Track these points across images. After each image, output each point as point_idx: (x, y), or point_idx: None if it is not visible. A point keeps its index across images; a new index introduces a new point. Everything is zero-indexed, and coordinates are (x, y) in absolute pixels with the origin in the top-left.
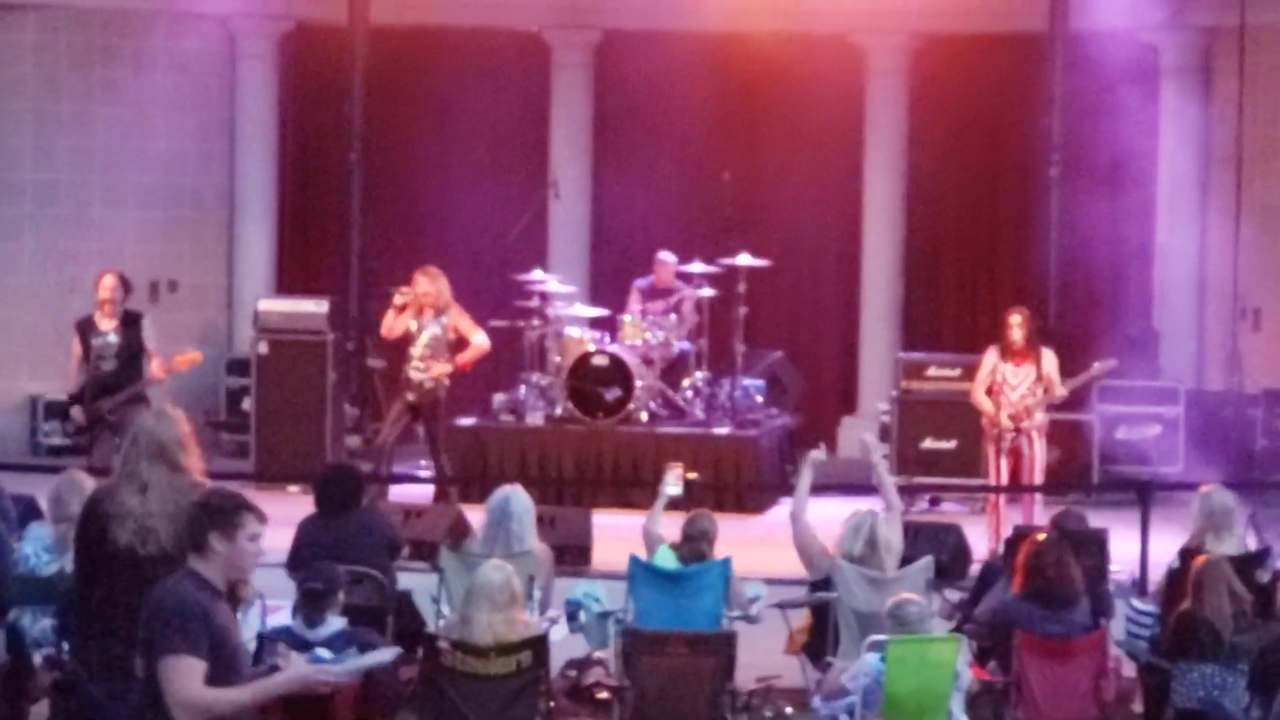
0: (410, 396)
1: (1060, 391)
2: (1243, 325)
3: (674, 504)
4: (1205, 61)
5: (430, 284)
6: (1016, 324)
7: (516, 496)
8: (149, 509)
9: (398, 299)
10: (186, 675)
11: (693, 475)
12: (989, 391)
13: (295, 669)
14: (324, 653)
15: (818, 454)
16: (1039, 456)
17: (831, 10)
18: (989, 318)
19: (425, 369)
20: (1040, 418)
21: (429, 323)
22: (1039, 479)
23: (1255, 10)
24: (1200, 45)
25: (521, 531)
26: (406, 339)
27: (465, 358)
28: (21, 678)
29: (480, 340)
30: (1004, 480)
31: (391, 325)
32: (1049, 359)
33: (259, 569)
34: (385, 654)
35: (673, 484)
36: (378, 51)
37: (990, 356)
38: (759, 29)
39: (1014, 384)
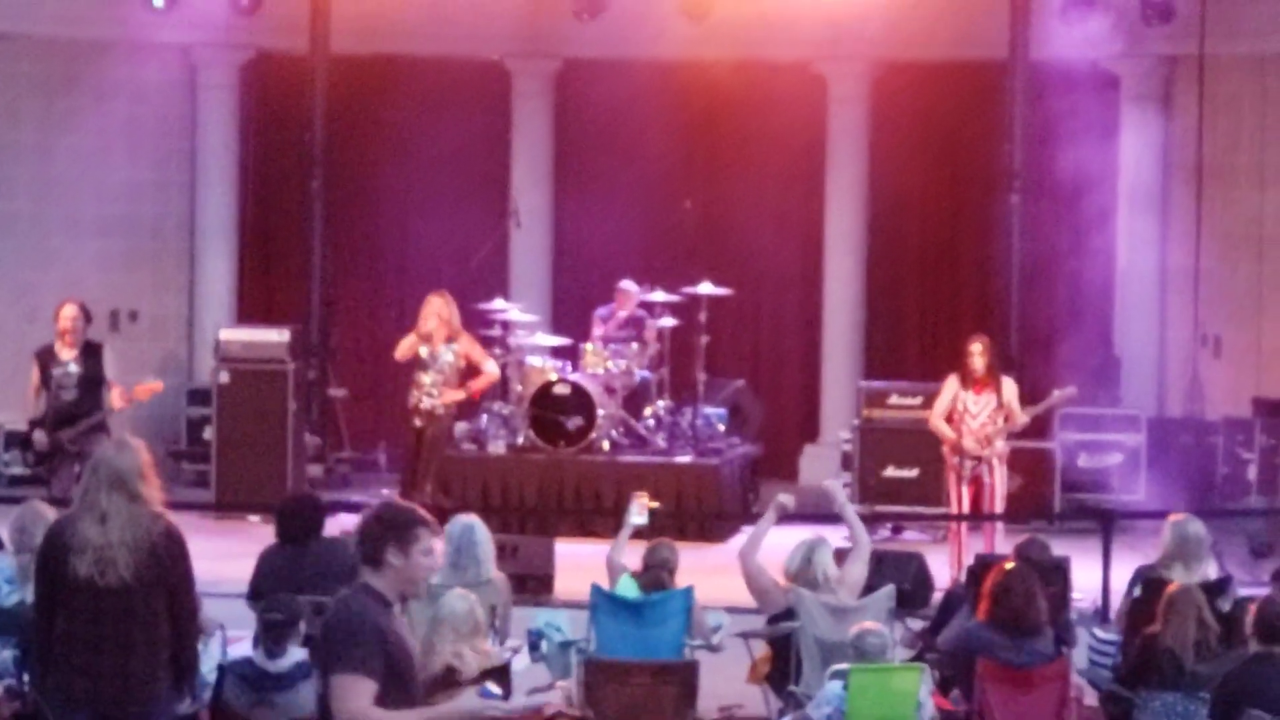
0: (418, 423)
1: (1021, 419)
2: (1203, 352)
3: (638, 533)
4: (1165, 90)
5: (445, 308)
6: (977, 352)
7: (479, 526)
8: (109, 539)
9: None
10: (356, 695)
11: (654, 504)
12: (949, 420)
13: (467, 701)
14: (493, 687)
15: (785, 499)
16: (1000, 484)
17: (792, 38)
18: (950, 346)
19: (438, 395)
20: (1001, 446)
21: (442, 349)
22: (1000, 507)
23: (1214, 39)
24: (1160, 74)
25: (486, 560)
26: (416, 365)
27: (477, 385)
28: None
29: (491, 369)
30: (965, 509)
31: (407, 349)
32: (1009, 387)
33: (218, 600)
34: (552, 695)
35: (637, 513)
36: (338, 80)
37: (951, 384)
38: (720, 57)
39: (974, 412)
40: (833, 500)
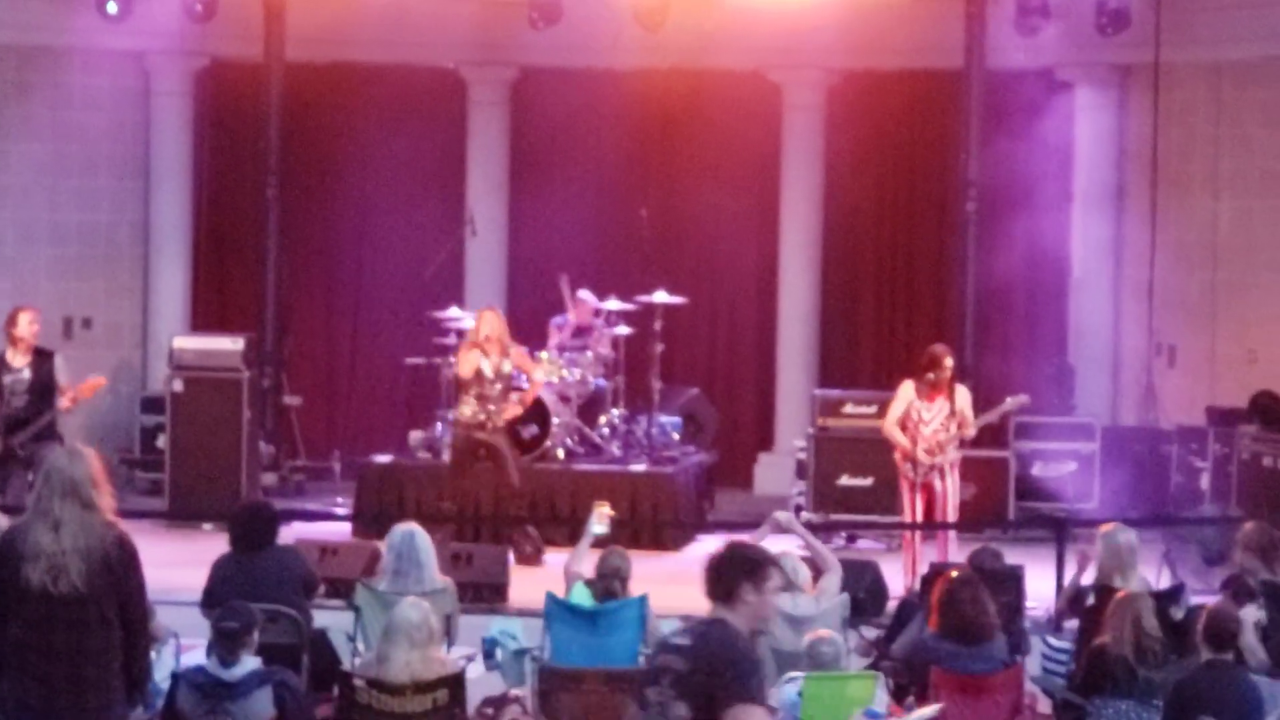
0: (482, 435)
1: (970, 431)
2: (1158, 361)
3: (598, 543)
4: (1120, 98)
5: (499, 322)
6: (951, 365)
7: (420, 533)
8: (61, 547)
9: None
10: None
11: (613, 514)
12: (902, 427)
13: None
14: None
15: (781, 516)
16: (952, 492)
17: (747, 46)
18: (906, 354)
19: (501, 409)
20: (953, 454)
21: (503, 363)
22: (953, 515)
23: (1169, 48)
24: (1114, 82)
25: (431, 567)
26: (474, 381)
27: (530, 396)
28: None
29: (539, 377)
30: (919, 517)
31: (471, 366)
32: (963, 395)
33: (171, 608)
34: (927, 711)
35: (598, 522)
36: (294, 88)
37: (905, 391)
38: (675, 65)
39: (927, 419)
40: (792, 531)
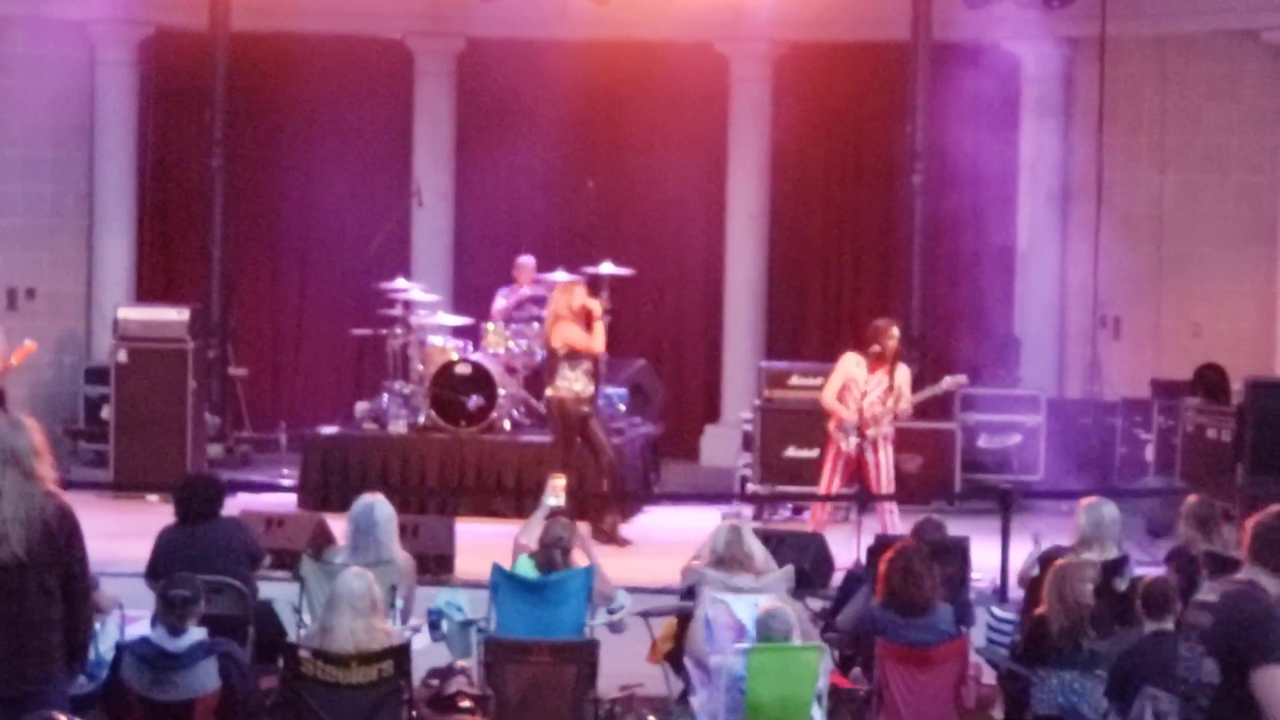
0: (585, 409)
1: (904, 406)
2: (1103, 334)
3: (552, 516)
4: (1066, 71)
5: (585, 294)
6: (898, 337)
7: (380, 505)
8: (2, 516)
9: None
10: None
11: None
12: (840, 398)
13: None
14: None
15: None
16: (885, 464)
17: (694, 18)
18: (852, 326)
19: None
20: (887, 427)
21: (600, 330)
22: (887, 486)
23: (1115, 21)
24: (1061, 55)
25: (387, 540)
26: (569, 353)
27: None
28: None
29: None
30: (834, 487)
31: (582, 338)
32: (903, 372)
33: (116, 579)
34: None
35: (553, 496)
36: (239, 58)
37: (847, 362)
38: (622, 37)
39: (867, 390)
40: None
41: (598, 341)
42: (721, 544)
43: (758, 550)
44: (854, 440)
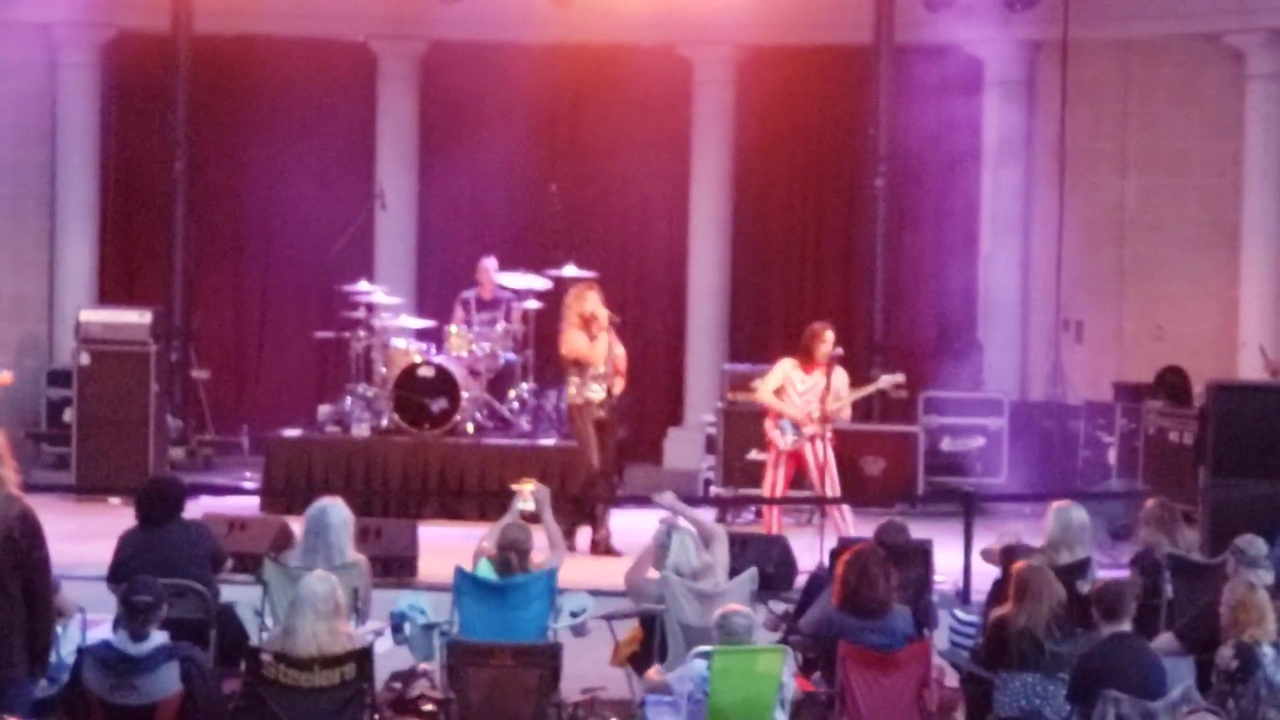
0: (602, 414)
1: (837, 405)
2: (1065, 337)
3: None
4: (1029, 75)
5: (601, 300)
6: (831, 339)
7: (334, 509)
8: None
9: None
10: None
11: (533, 489)
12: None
13: None
14: None
15: (665, 497)
16: (827, 461)
17: (658, 21)
18: None
19: (609, 383)
20: (816, 427)
21: (604, 338)
22: (832, 484)
23: (1078, 24)
24: (1024, 59)
25: (340, 544)
26: (584, 358)
27: (622, 370)
28: None
29: (621, 352)
30: (779, 489)
31: (596, 347)
32: (840, 374)
33: (78, 582)
34: None
35: (523, 501)
36: (202, 60)
37: (784, 365)
38: (585, 40)
39: (802, 390)
40: (673, 510)
41: (595, 351)
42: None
43: (694, 552)
44: (791, 438)
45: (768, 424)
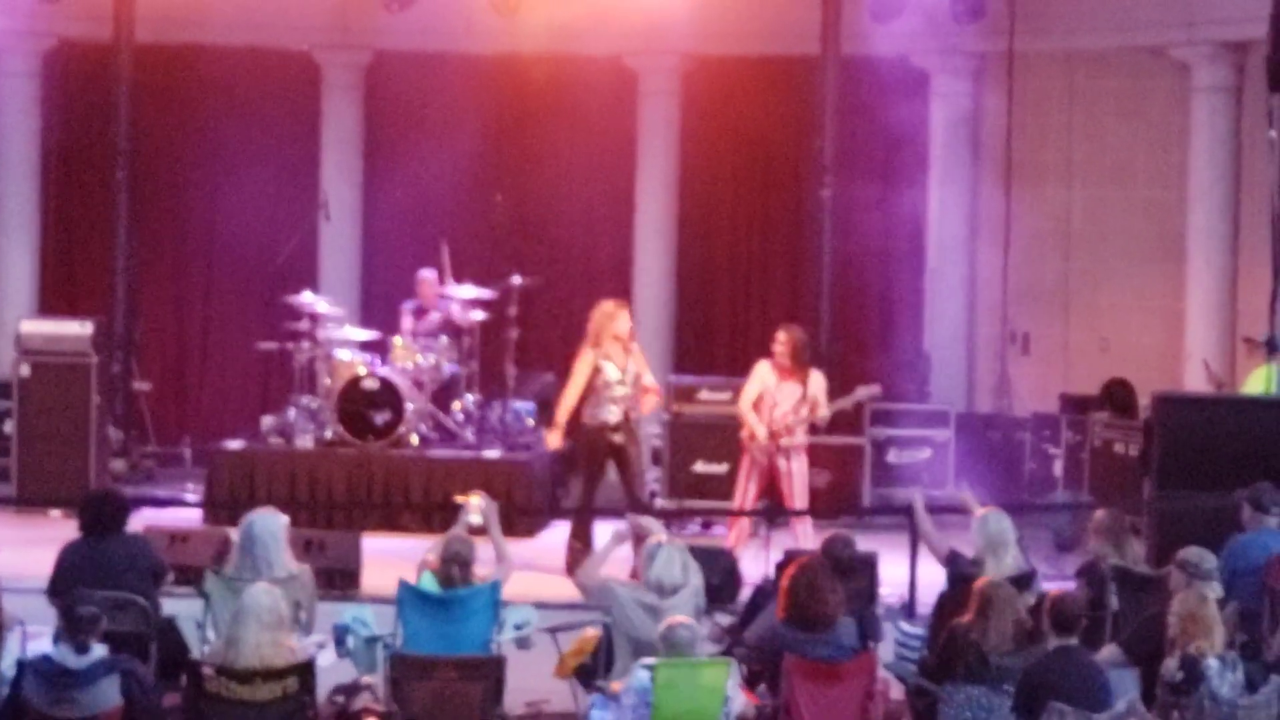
0: (618, 439)
1: (823, 413)
2: (1012, 349)
3: (473, 533)
4: (975, 87)
5: (628, 319)
6: (780, 341)
7: (262, 520)
8: None
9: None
10: None
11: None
12: (755, 407)
13: None
14: None
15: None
16: (798, 475)
17: (603, 32)
18: (760, 340)
19: (627, 406)
20: (801, 437)
21: (629, 361)
22: (801, 499)
23: (1023, 37)
24: (970, 71)
25: (269, 556)
26: (599, 380)
27: (650, 400)
28: None
29: (652, 382)
30: (749, 500)
31: (589, 366)
32: (816, 380)
33: (17, 595)
34: None
35: (473, 514)
36: (144, 70)
37: (762, 369)
38: (531, 51)
39: (779, 400)
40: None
41: (609, 371)
42: (658, 568)
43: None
44: (763, 451)
45: (744, 433)
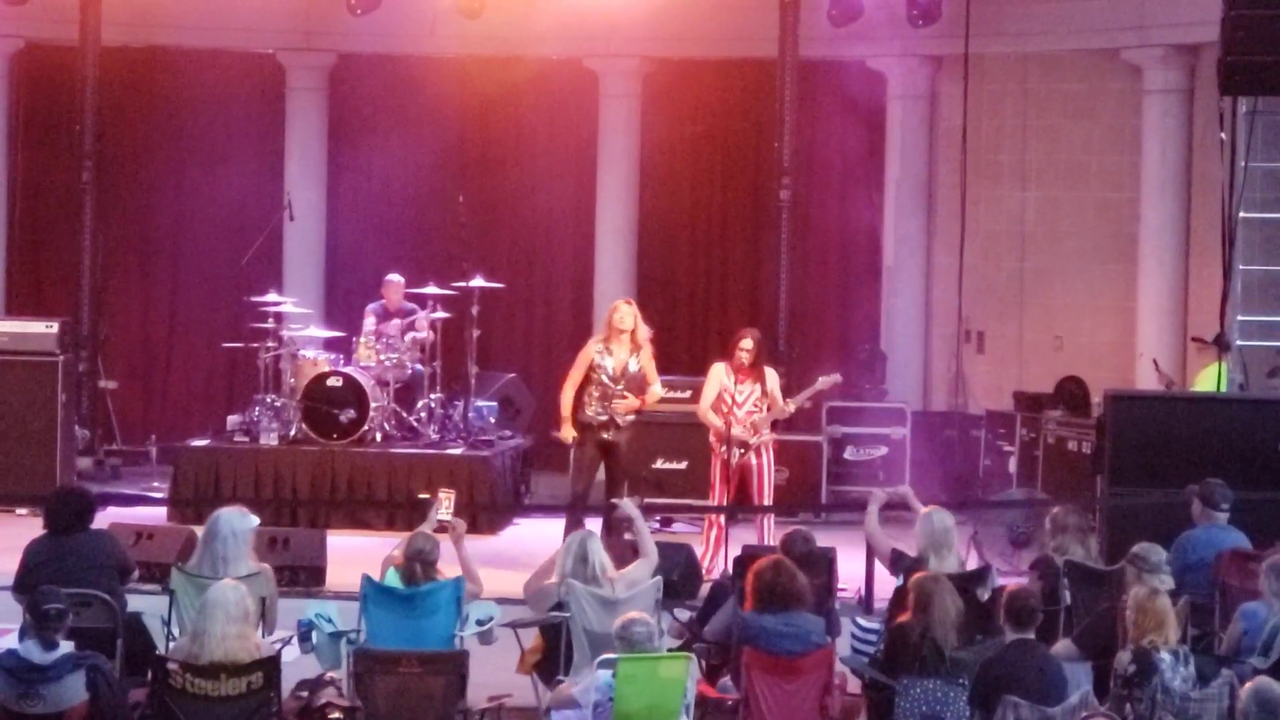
0: (608, 436)
1: (787, 408)
2: (967, 348)
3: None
4: (931, 89)
5: (637, 318)
6: (748, 349)
7: (225, 519)
8: None
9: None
10: None
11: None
12: (714, 409)
13: None
14: None
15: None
16: (768, 473)
17: (564, 34)
18: (720, 339)
19: (623, 405)
20: (767, 435)
21: (631, 360)
22: (769, 495)
23: (979, 40)
24: (925, 73)
25: (228, 553)
26: (595, 375)
27: (649, 401)
28: None
29: (658, 390)
30: (726, 500)
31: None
32: (771, 377)
33: None
34: None
35: (444, 510)
36: (110, 72)
37: (717, 371)
38: (493, 53)
39: (740, 401)
40: (631, 519)
41: (603, 367)
42: (564, 557)
43: (604, 559)
44: (736, 452)
45: (711, 436)
